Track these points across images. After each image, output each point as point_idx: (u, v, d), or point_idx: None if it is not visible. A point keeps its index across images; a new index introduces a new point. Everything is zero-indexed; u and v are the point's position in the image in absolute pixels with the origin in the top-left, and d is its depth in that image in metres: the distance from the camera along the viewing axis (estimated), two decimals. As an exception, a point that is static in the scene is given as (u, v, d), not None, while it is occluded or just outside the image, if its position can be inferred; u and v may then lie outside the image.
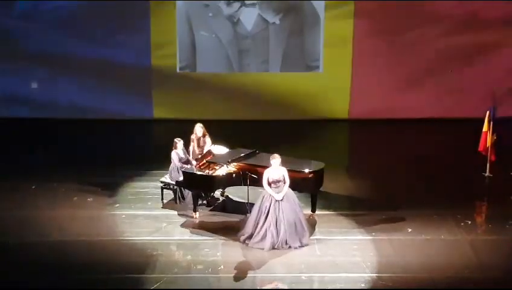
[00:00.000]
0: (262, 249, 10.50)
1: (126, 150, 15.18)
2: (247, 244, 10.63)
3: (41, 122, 16.79)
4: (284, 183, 10.62)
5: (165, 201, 12.19)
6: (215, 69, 17.38)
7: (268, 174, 10.65)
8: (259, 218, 10.61)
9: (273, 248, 10.48)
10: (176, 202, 12.09)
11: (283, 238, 10.50)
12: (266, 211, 10.57)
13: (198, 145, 12.31)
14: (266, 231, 10.52)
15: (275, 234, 10.51)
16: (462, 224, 11.45)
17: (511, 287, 9.75)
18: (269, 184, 10.62)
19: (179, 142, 12.09)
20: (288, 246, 10.52)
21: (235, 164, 11.64)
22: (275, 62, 17.35)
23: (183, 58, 17.29)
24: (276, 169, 10.65)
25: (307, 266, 10.09)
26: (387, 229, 11.19)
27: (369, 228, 11.21)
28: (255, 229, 10.62)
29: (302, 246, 10.55)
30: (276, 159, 10.67)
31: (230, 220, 11.45)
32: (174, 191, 12.09)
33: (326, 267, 10.07)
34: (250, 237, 10.68)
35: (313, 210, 11.71)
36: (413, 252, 10.52)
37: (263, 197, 10.69)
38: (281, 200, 10.54)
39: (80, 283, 9.64)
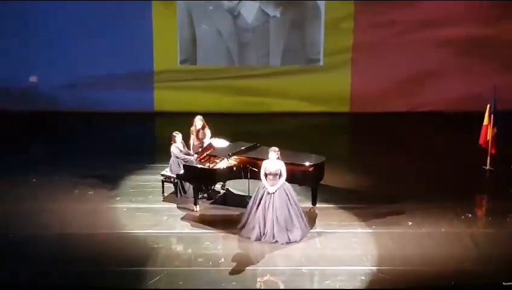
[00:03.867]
0: (249, 238, 10.54)
1: (127, 143, 15.17)
2: (240, 232, 10.68)
3: (41, 115, 16.78)
4: (280, 177, 10.59)
5: (165, 194, 12.20)
6: (216, 62, 17.37)
7: (265, 166, 10.63)
8: (252, 207, 10.65)
9: (259, 240, 10.49)
10: (177, 196, 12.09)
11: (269, 232, 10.48)
12: (258, 202, 10.59)
13: (198, 138, 12.31)
14: (255, 221, 10.55)
15: (262, 226, 10.51)
16: (463, 217, 11.46)
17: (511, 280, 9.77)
18: (265, 175, 10.63)
19: (178, 136, 12.07)
20: (275, 240, 10.47)
21: (236, 157, 11.64)
22: (275, 55, 17.34)
23: (184, 52, 17.28)
24: (273, 162, 10.61)
25: (307, 259, 10.10)
26: (388, 223, 11.20)
27: (369, 221, 11.22)
28: (248, 217, 10.67)
29: (289, 242, 10.48)
30: (273, 153, 10.60)
31: (231, 214, 11.45)
32: (175, 185, 12.09)
33: (326, 260, 10.08)
34: (244, 225, 10.73)
35: (314, 203, 11.72)
36: (413, 245, 10.53)
37: (259, 187, 10.71)
38: (274, 193, 10.51)
39: (80, 276, 9.65)
